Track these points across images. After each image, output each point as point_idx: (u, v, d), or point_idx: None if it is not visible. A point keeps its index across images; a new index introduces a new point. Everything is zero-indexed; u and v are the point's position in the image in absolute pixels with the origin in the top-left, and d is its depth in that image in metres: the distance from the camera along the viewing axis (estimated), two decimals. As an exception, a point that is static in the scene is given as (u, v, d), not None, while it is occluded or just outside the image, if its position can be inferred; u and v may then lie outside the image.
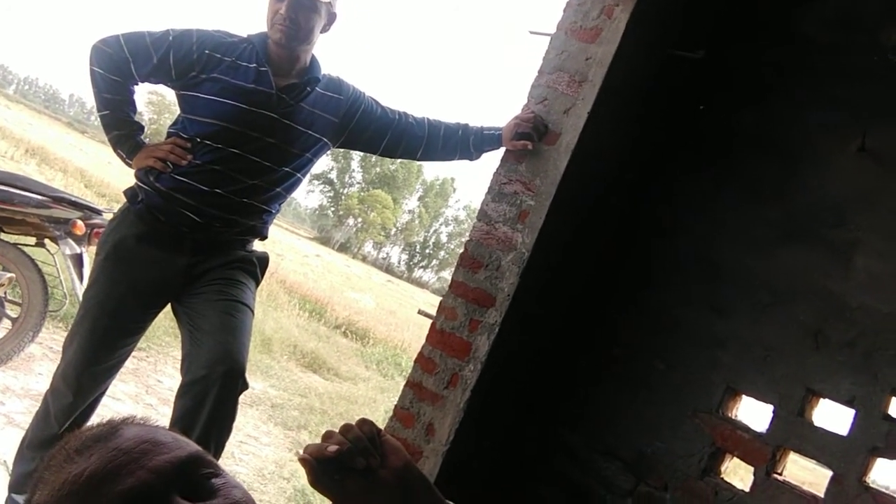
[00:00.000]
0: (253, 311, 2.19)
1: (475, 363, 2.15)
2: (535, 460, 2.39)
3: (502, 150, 2.30)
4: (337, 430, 0.92)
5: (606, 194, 2.38)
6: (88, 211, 4.10)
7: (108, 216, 4.26)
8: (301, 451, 0.91)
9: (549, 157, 2.18)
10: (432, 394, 2.24)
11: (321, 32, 2.21)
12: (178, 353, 5.38)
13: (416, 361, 2.33)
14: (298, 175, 2.25)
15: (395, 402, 2.30)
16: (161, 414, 4.03)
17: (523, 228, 2.17)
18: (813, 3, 2.30)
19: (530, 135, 2.18)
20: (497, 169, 2.30)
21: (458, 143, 2.33)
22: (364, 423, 0.93)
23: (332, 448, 0.87)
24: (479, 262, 2.25)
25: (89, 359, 2.11)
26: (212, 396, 1.93)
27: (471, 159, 2.39)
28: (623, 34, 2.11)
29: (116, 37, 2.12)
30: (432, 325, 2.33)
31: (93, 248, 4.27)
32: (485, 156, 2.40)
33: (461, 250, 2.34)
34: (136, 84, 2.18)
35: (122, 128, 2.19)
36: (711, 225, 2.30)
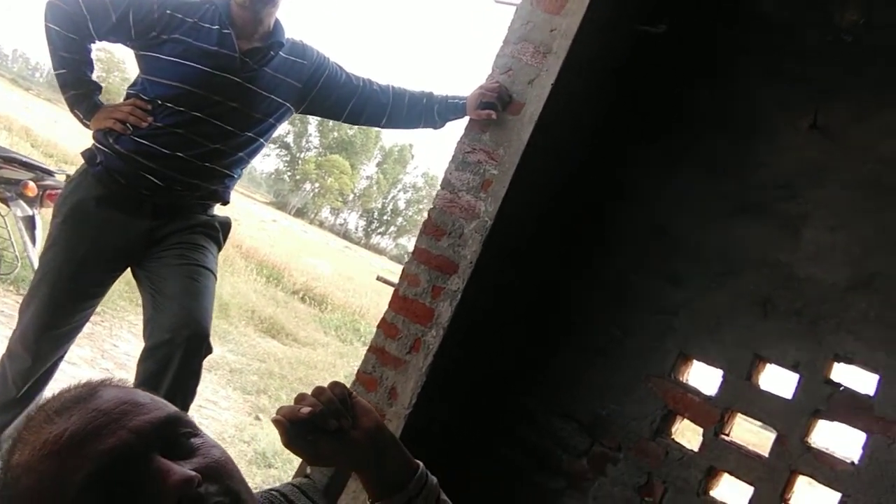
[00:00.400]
0: (216, 276, 2.18)
1: (438, 329, 2.19)
2: (494, 423, 2.46)
3: (466, 119, 2.31)
4: (309, 393, 0.95)
5: (569, 164, 2.42)
6: (40, 172, 3.99)
7: (60, 178, 4.16)
8: (274, 413, 0.93)
9: (512, 127, 2.20)
10: (395, 358, 2.28)
11: None
12: (133, 318, 5.34)
13: (378, 327, 2.36)
14: (261, 140, 2.23)
15: (357, 367, 2.33)
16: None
17: (486, 197, 2.19)
18: (772, -20, 2.35)
19: (494, 104, 2.20)
20: (461, 138, 2.31)
21: (423, 111, 2.33)
22: (336, 385, 0.96)
23: (306, 410, 0.89)
24: (442, 230, 2.27)
25: (48, 323, 2.09)
26: (176, 360, 1.93)
27: (435, 128, 2.39)
28: (588, 6, 2.13)
29: None
30: (395, 291, 2.35)
31: (45, 210, 4.17)
32: (448, 124, 2.41)
33: (421, 217, 2.35)
34: (94, 42, 2.12)
35: (79, 87, 2.13)
36: (669, 197, 2.37)
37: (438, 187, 2.34)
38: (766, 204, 2.20)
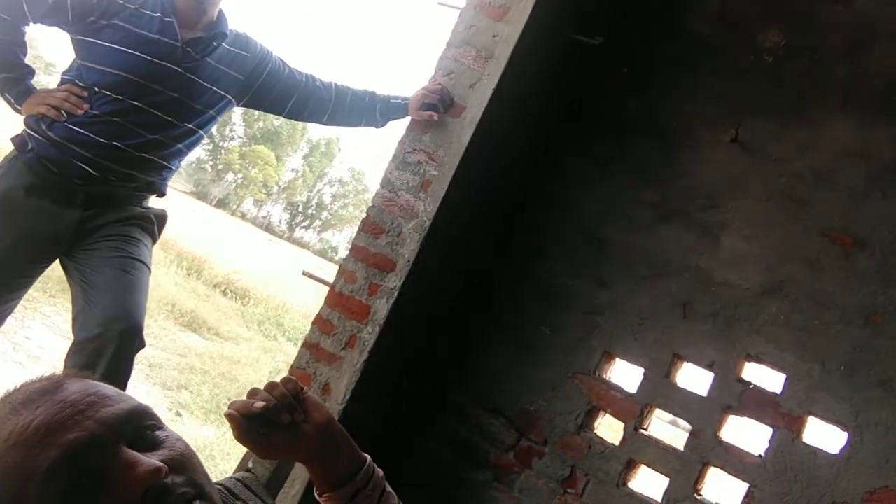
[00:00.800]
0: (150, 269, 2.14)
1: (373, 325, 2.22)
2: (425, 418, 2.51)
3: (408, 119, 2.35)
4: (262, 388, 0.97)
5: (507, 167, 2.49)
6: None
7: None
8: (207, 409, 0.95)
9: (453, 129, 2.25)
10: (329, 354, 2.30)
11: None
12: (47, 309, 5.13)
13: (313, 323, 2.37)
14: (200, 132, 2.20)
15: (280, 362, 2.34)
16: (31, 372, 3.82)
17: (426, 197, 2.24)
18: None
19: (436, 106, 2.24)
20: (402, 138, 2.35)
21: (365, 109, 2.35)
22: (288, 381, 0.98)
23: (259, 404, 0.92)
24: (381, 228, 2.30)
25: None
26: (107, 355, 1.88)
27: (377, 127, 2.42)
28: (529, 15, 2.20)
29: None
30: (331, 287, 2.37)
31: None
32: (389, 124, 2.44)
33: (347, 212, 2.38)
34: (28, 24, 2.04)
35: (10, 70, 2.04)
36: (600, 202, 2.47)
37: (366, 182, 2.37)
38: (689, 212, 2.33)
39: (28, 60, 2.14)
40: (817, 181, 2.18)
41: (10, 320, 4.50)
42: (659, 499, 2.13)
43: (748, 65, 2.35)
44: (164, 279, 8.89)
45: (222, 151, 71.94)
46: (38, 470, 0.68)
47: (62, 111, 1.99)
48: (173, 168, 2.21)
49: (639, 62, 2.55)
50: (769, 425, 2.05)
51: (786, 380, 2.07)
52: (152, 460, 0.71)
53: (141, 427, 0.75)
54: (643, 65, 2.54)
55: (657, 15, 2.57)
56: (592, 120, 2.57)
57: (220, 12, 2.18)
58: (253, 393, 0.95)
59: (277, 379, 1.01)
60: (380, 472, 1.02)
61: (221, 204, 67.70)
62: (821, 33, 2.28)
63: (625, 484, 2.20)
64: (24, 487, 0.68)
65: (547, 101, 2.54)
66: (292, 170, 78.07)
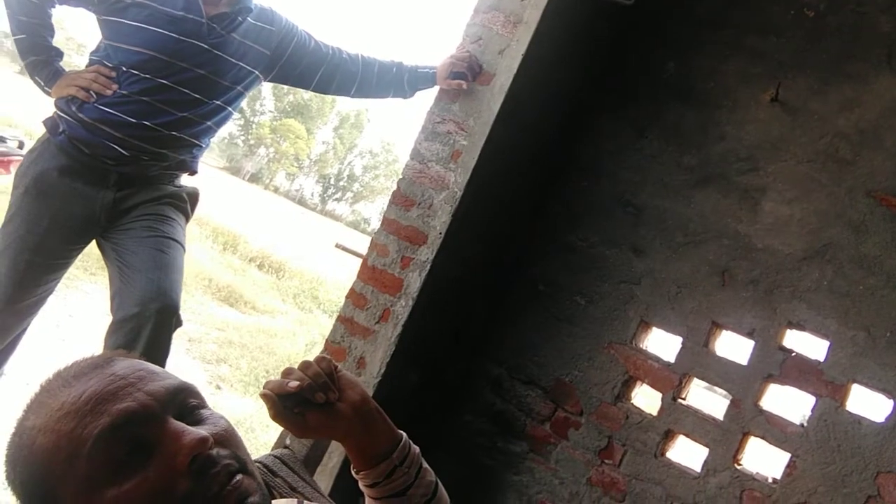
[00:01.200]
0: (184, 247, 2.15)
1: (407, 299, 2.21)
2: (461, 390, 2.51)
3: (436, 89, 2.31)
4: (296, 367, 0.97)
5: (538, 135, 2.44)
6: (-11, 138, 3.83)
7: (12, 143, 3.99)
8: (246, 383, 0.95)
9: (482, 97, 2.21)
10: (364, 328, 2.30)
11: None
12: (88, 287, 5.23)
13: (347, 297, 2.37)
14: (229, 109, 2.19)
15: (316, 334, 2.35)
16: (74, 348, 3.92)
17: (456, 168, 2.21)
18: (736, -45, 2.39)
19: (465, 74, 2.20)
20: (431, 108, 2.31)
21: (393, 80, 2.32)
22: (322, 359, 0.98)
23: (294, 384, 0.92)
24: (412, 201, 2.28)
25: (10, 296, 2.03)
26: (145, 334, 1.90)
27: (405, 97, 2.38)
28: (559, -24, 2.14)
29: None
30: (364, 261, 2.36)
31: (-3, 177, 4.02)
32: (418, 94, 2.40)
33: (378, 183, 2.36)
34: (54, 7, 2.04)
35: (39, 53, 2.05)
36: (634, 168, 2.42)
37: (396, 153, 2.35)
38: (727, 176, 2.26)
39: (59, 42, 2.15)
40: (862, 140, 2.09)
41: (52, 298, 4.62)
42: (698, 469, 2.11)
43: (788, 20, 2.26)
44: (200, 254, 9.01)
45: (253, 126, 72.40)
46: (89, 436, 0.70)
47: (91, 92, 1.99)
48: (203, 146, 2.21)
49: (672, 22, 2.46)
50: (812, 394, 2.01)
51: (829, 347, 2.02)
52: (199, 430, 0.75)
53: (186, 403, 0.79)
54: (676, 24, 2.45)
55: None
56: (626, 84, 2.50)
57: None
58: (287, 372, 0.95)
59: (313, 355, 1.00)
60: (416, 448, 1.02)
61: (254, 178, 68.33)
62: (866, -16, 2.17)
63: (663, 454, 2.18)
64: (75, 454, 0.71)
65: (579, 65, 2.48)
66: (323, 142, 78.31)
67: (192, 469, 0.72)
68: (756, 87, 2.27)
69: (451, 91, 2.26)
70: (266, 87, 70.51)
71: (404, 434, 1.02)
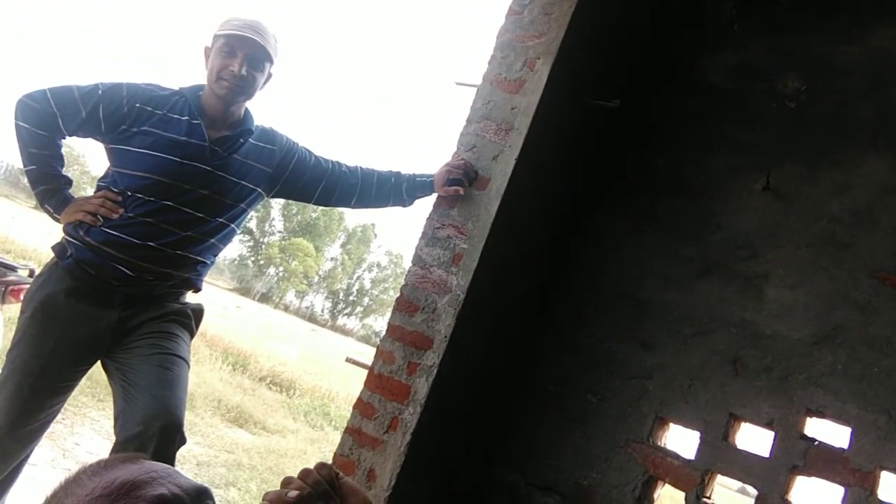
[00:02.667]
0: (189, 364, 2.14)
1: (415, 406, 2.17)
2: (475, 499, 2.41)
3: (434, 196, 2.37)
4: (296, 476, 0.94)
5: (538, 234, 2.48)
6: (1, 268, 3.91)
7: (23, 273, 4.08)
8: (262, 499, 0.93)
9: (480, 201, 2.26)
10: (372, 439, 2.24)
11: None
12: (96, 414, 5.16)
13: (354, 407, 2.33)
14: (232, 226, 2.24)
15: (329, 452, 2.29)
16: (80, 478, 3.82)
17: (457, 271, 2.23)
18: (715, 53, 2.51)
19: (461, 181, 2.26)
20: (430, 214, 2.36)
21: (391, 189, 2.39)
22: (322, 466, 0.96)
23: (293, 494, 0.90)
24: (416, 306, 2.29)
25: (13, 421, 2.01)
26: (149, 452, 1.86)
27: (404, 206, 2.44)
28: (545, 85, 2.24)
29: (43, 91, 2.08)
30: (370, 369, 2.34)
31: (8, 307, 4.07)
32: (416, 202, 2.46)
33: (387, 296, 2.38)
34: (64, 138, 2.13)
35: (49, 182, 2.13)
36: (635, 263, 2.43)
37: (404, 265, 2.37)
38: (727, 264, 2.27)
39: (75, 176, 2.23)
40: (858, 222, 2.11)
41: (59, 427, 4.56)
42: (731, 572, 1.99)
43: (771, 113, 2.34)
44: (209, 375, 8.95)
45: (263, 246, 73.72)
46: None
47: (98, 216, 2.05)
48: (208, 263, 2.25)
49: (659, 118, 2.55)
50: (840, 484, 1.92)
51: (851, 433, 1.95)
52: None
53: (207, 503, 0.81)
54: (664, 120, 2.54)
55: (675, 73, 2.59)
56: (621, 181, 2.56)
57: (246, 110, 2.26)
58: (287, 482, 0.93)
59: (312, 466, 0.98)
60: None
61: (265, 298, 68.77)
62: (840, 75, 2.27)
63: (693, 559, 2.06)
64: None
65: (573, 165, 2.55)
66: (331, 259, 79.41)
67: None
68: (747, 177, 2.32)
69: (448, 197, 2.31)
70: (275, 208, 72.47)
71: None
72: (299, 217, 74.50)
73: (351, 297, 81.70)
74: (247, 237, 74.31)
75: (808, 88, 2.28)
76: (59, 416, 4.60)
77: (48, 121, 2.07)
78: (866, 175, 2.15)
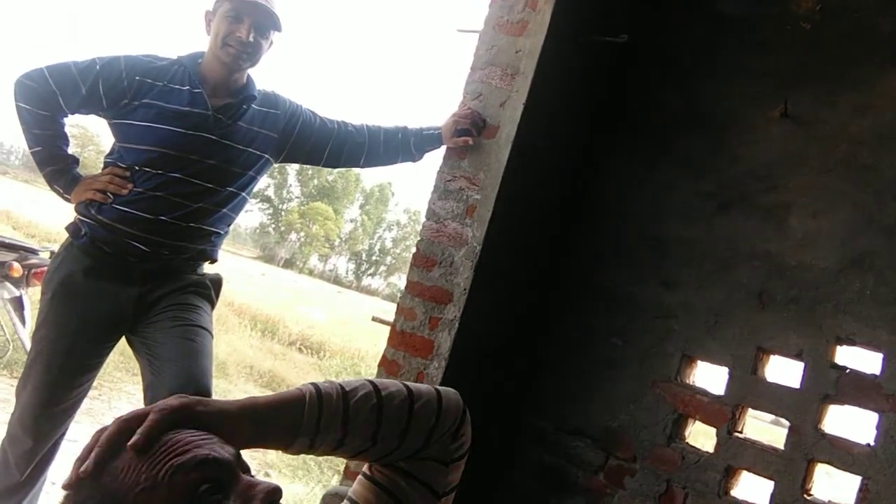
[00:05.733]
0: (212, 334, 2.15)
1: (439, 360, 2.17)
2: (505, 448, 2.43)
3: (443, 148, 2.33)
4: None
5: (551, 180, 2.43)
6: (24, 252, 3.96)
7: (44, 255, 4.14)
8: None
9: (490, 150, 2.22)
10: (400, 395, 2.26)
11: None
12: (131, 388, 5.27)
13: (379, 365, 2.34)
14: (243, 194, 2.23)
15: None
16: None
17: (472, 223, 2.20)
18: (724, -20, 2.41)
19: (469, 130, 2.22)
20: (440, 167, 2.33)
21: (399, 145, 2.35)
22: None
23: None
24: (433, 260, 2.27)
25: (46, 401, 2.05)
26: None
27: (413, 161, 2.41)
28: (549, 24, 2.17)
29: (41, 70, 2.05)
30: (392, 326, 2.34)
31: (32, 290, 4.14)
32: (426, 156, 2.42)
33: (409, 253, 2.36)
34: (66, 117, 2.11)
35: (56, 163, 2.12)
36: (652, 202, 2.38)
37: (423, 220, 2.35)
38: (747, 197, 2.22)
39: (91, 156, 2.23)
40: (881, 142, 2.04)
41: (96, 403, 4.67)
42: (766, 504, 1.99)
43: (786, 36, 2.24)
44: (239, 343, 9.09)
45: (283, 213, 74.13)
46: (171, 468, 0.74)
47: (108, 193, 2.05)
48: (222, 233, 2.24)
49: (670, 52, 2.47)
50: (873, 410, 1.90)
51: (884, 359, 1.91)
52: (271, 481, 0.79)
53: (245, 468, 0.83)
54: (675, 54, 2.46)
55: (685, 3, 2.49)
56: (634, 120, 2.49)
57: (249, 76, 2.22)
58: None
59: None
60: (334, 398, 0.95)
61: (288, 264, 69.41)
62: (858, -11, 2.16)
63: (727, 493, 2.06)
64: (155, 484, 0.74)
65: (584, 107, 2.49)
66: (351, 221, 79.74)
67: None
68: (763, 105, 2.24)
69: (458, 148, 2.27)
70: (291, 174, 72.69)
71: (307, 394, 0.94)
72: (316, 181, 74.60)
73: (374, 258, 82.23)
74: (266, 205, 74.75)
75: (823, 7, 2.18)
76: (95, 392, 4.72)
77: (49, 100, 2.05)
78: (887, 94, 2.06)
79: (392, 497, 1.03)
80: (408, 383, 1.05)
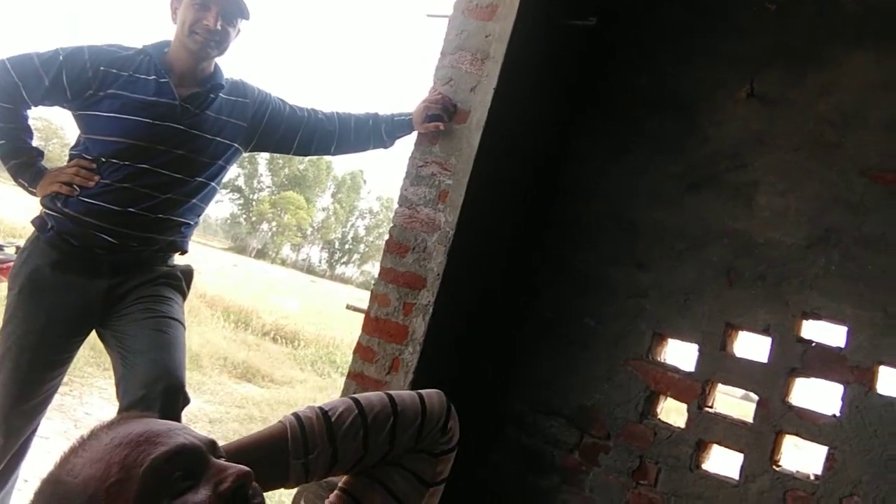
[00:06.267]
0: (184, 325, 2.13)
1: (414, 345, 2.18)
2: (483, 431, 2.45)
3: (415, 134, 2.33)
4: None
5: (524, 164, 2.44)
6: (-13, 247, 3.87)
7: (10, 251, 4.05)
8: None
9: (461, 135, 2.22)
10: (375, 381, 2.26)
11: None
12: (103, 383, 5.21)
13: (355, 352, 2.34)
14: (212, 184, 2.20)
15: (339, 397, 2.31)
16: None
17: (445, 208, 2.21)
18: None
19: (440, 116, 2.22)
20: (412, 153, 2.32)
21: (370, 132, 2.34)
22: None
23: None
24: (406, 246, 2.27)
25: (16, 397, 2.02)
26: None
27: (385, 147, 2.40)
28: (518, 9, 2.17)
29: (2, 62, 1.99)
30: (366, 313, 2.34)
31: (-2, 285, 4.06)
32: (397, 142, 2.42)
33: (382, 240, 2.36)
34: (30, 109, 2.06)
35: (20, 156, 2.07)
36: (622, 184, 2.41)
37: (396, 206, 2.34)
38: (716, 176, 2.25)
39: (55, 149, 2.18)
40: (846, 121, 2.09)
41: (67, 399, 4.60)
42: (737, 477, 2.04)
43: (751, 17, 2.28)
44: (212, 335, 9.00)
45: (253, 203, 73.32)
46: (143, 461, 0.74)
47: (74, 186, 2.01)
48: (192, 224, 2.21)
49: (643, 35, 2.49)
50: (839, 382, 1.95)
51: (848, 332, 1.97)
52: (241, 465, 0.80)
53: (218, 453, 0.83)
54: (648, 38, 2.48)
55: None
56: (605, 102, 2.51)
57: (216, 65, 2.19)
58: None
59: None
60: (315, 423, 1.03)
61: (261, 254, 68.76)
62: (821, -30, 2.20)
63: (698, 466, 2.11)
64: (127, 476, 0.73)
65: (555, 90, 2.50)
66: (323, 209, 79.14)
67: (235, 497, 0.77)
68: (731, 86, 2.27)
69: (429, 134, 2.27)
70: (262, 164, 71.84)
71: (288, 425, 1.02)
72: (287, 170, 73.86)
73: (347, 246, 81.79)
74: (236, 195, 73.86)
75: (788, -13, 2.22)
76: (66, 388, 4.65)
77: (11, 92, 2.00)
78: (852, 73, 2.11)
79: (381, 484, 1.10)
80: (389, 391, 1.13)
